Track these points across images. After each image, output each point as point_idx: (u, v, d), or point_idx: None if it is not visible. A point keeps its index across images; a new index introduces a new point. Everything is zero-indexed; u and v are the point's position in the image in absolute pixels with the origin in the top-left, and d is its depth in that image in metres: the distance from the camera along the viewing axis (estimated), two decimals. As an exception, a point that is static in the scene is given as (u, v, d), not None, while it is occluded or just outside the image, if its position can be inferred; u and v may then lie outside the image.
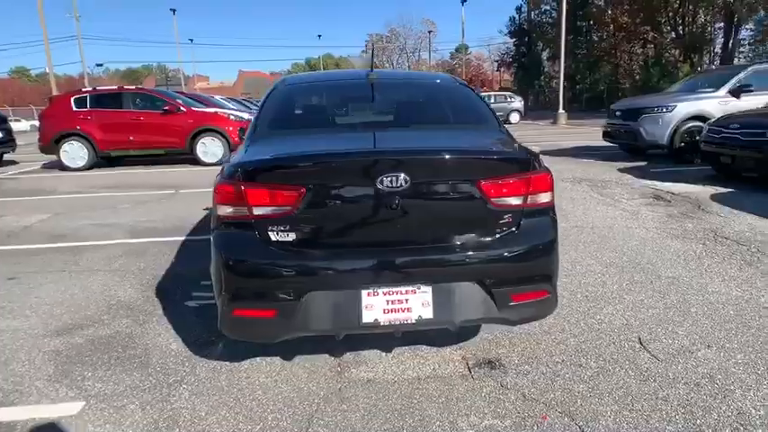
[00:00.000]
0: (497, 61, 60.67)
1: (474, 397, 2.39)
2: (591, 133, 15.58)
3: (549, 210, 2.46)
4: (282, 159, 2.35)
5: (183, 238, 5.26)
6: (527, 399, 2.37)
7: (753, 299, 3.37)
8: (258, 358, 2.79)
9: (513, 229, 2.36)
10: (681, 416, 2.22)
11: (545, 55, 49.35)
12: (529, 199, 2.36)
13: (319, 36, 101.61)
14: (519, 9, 52.10)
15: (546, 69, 50.60)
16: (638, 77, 35.85)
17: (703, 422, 2.17)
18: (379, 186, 2.19)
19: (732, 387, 2.41)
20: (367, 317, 2.24)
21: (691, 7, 32.06)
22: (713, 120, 7.75)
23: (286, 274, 2.22)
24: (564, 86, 25.08)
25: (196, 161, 11.53)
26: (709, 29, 33.97)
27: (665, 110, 9.15)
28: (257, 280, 2.25)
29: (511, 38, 54.30)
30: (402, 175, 2.19)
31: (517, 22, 52.53)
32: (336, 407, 2.35)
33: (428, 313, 2.26)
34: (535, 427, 2.17)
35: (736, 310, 3.21)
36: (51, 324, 3.30)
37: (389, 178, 2.18)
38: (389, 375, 2.60)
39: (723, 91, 9.15)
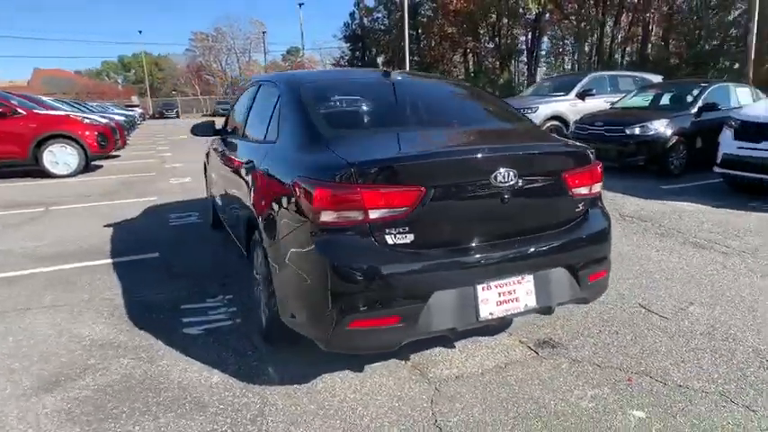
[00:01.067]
0: (333, 65, 61.89)
1: (561, 374, 2.57)
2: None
3: (600, 197, 2.74)
4: (403, 159, 2.24)
5: (108, 261, 4.50)
6: (602, 367, 2.63)
7: (690, 263, 4.13)
8: (325, 377, 2.59)
9: (585, 215, 2.59)
10: (719, 359, 2.67)
11: (380, 60, 51.83)
12: (592, 188, 2.61)
13: (140, 32, 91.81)
14: (352, 15, 53.88)
15: (381, 73, 53.17)
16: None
17: (736, 361, 2.64)
18: (493, 183, 2.24)
19: (733, 331, 2.97)
20: (484, 311, 2.27)
21: (505, 21, 36.58)
22: (579, 118, 9.08)
23: (412, 277, 2.14)
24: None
25: (44, 173, 9.74)
26: (520, 39, 39.14)
27: (530, 111, 10.39)
28: (381, 287, 2.12)
29: (346, 42, 55.88)
30: (513, 170, 2.26)
31: (351, 27, 54.26)
32: (450, 406, 2.32)
33: (532, 301, 2.37)
34: (630, 389, 2.42)
35: (686, 272, 3.91)
36: (24, 382, 2.62)
37: (503, 174, 2.24)
38: (471, 369, 2.64)
39: (572, 95, 10.75)
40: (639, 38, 34.78)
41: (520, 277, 2.34)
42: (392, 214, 2.13)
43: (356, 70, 4.00)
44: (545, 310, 2.46)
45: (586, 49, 34.01)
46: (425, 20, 43.29)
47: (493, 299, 2.28)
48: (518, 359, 2.73)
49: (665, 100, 9.16)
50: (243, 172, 3.19)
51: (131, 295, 3.71)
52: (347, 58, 57.22)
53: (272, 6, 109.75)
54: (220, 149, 4.27)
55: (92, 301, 3.62)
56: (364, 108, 2.90)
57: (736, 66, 22.96)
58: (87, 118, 10.39)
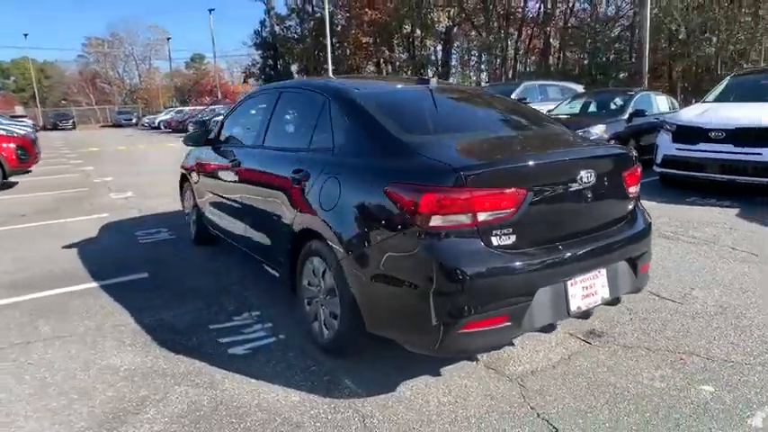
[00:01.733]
0: (244, 73, 60.15)
1: (621, 359, 2.76)
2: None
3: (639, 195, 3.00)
4: (508, 163, 2.29)
5: (93, 285, 4.10)
6: (653, 350, 2.86)
7: (670, 253, 4.58)
8: (407, 383, 2.59)
9: (635, 212, 2.82)
10: (743, 334, 3.00)
11: (294, 68, 51.30)
12: (638, 187, 2.85)
13: (26, 35, 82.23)
14: (263, 23, 52.81)
15: (296, 82, 52.60)
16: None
17: (757, 335, 2.99)
18: (578, 183, 2.38)
19: (741, 311, 3.35)
20: (573, 305, 2.40)
21: (419, 32, 37.78)
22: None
23: (520, 276, 2.21)
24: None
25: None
26: (432, 50, 40.64)
27: None
28: (492, 288, 2.17)
29: (257, 50, 54.63)
30: (592, 171, 2.42)
31: (261, 35, 53.13)
32: (543, 399, 2.42)
33: (606, 293, 2.54)
34: (684, 368, 2.67)
35: (672, 261, 4.33)
36: (77, 423, 2.35)
37: (585, 175, 2.39)
38: (541, 363, 2.75)
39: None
40: (539, 50, 37.66)
41: (597, 272, 2.50)
42: (498, 216, 2.20)
43: (388, 78, 3.94)
44: (614, 301, 2.64)
45: (494, 60, 36.07)
46: (339, 29, 43.54)
47: (579, 293, 2.42)
48: (577, 350, 2.89)
49: (594, 107, 10.00)
50: (280, 183, 3.09)
51: (145, 319, 3.42)
52: (258, 66, 55.98)
53: (177, 11, 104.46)
54: (221, 161, 4.07)
55: (102, 329, 3.30)
56: (426, 114, 2.92)
57: (626, 76, 25.68)
58: (4, 129, 9.29)
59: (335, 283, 2.63)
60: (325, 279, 2.74)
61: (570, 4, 34.84)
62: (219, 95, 49.74)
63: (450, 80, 43.53)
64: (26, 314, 3.58)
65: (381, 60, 43.82)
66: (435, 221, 2.15)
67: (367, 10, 38.24)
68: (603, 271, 2.53)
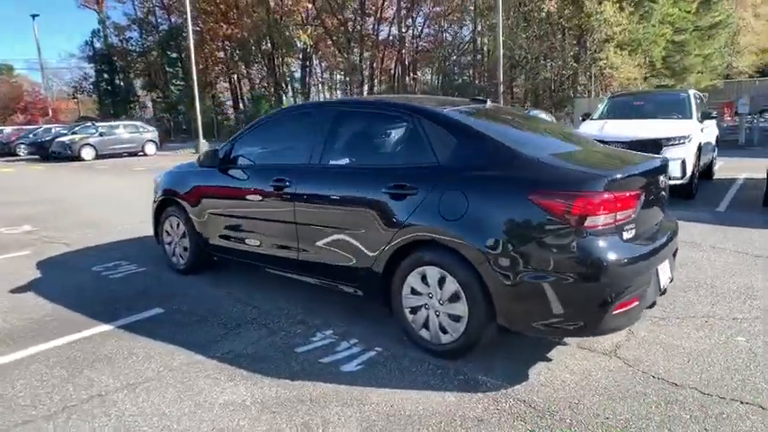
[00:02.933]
0: (75, 87, 53.43)
1: (671, 327, 3.39)
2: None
3: None
4: (634, 170, 2.72)
5: (107, 328, 3.63)
6: (683, 318, 3.55)
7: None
8: (533, 371, 2.89)
9: (667, 211, 3.50)
10: (739, 299, 3.84)
11: (138, 83, 47.22)
12: (664, 188, 3.54)
13: None
14: (96, 33, 47.71)
15: (140, 97, 48.50)
16: (245, 107, 39.24)
17: (750, 301, 3.86)
18: (660, 186, 2.94)
19: (719, 283, 4.25)
20: (661, 285, 2.94)
21: (280, 50, 37.56)
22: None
23: (646, 263, 2.67)
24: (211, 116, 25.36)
25: None
26: (293, 68, 40.65)
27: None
28: (632, 275, 2.59)
29: (89, 62, 49.10)
30: (665, 176, 3.02)
31: (93, 46, 47.91)
32: (645, 363, 2.90)
33: (668, 276, 3.13)
34: (715, 326, 3.38)
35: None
36: None
37: (663, 179, 2.97)
38: (616, 340, 3.24)
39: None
40: (392, 71, 40.20)
41: (667, 258, 3.08)
42: (627, 215, 2.64)
43: (441, 99, 3.94)
44: (668, 284, 3.24)
45: (354, 80, 37.41)
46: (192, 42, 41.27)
47: (662, 276, 2.97)
48: (635, 327, 3.44)
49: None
50: (369, 200, 3.18)
51: (215, 353, 3.20)
52: (92, 80, 50.33)
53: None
54: (248, 183, 3.95)
55: (178, 369, 3.01)
56: (514, 131, 3.26)
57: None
58: None
59: (462, 288, 2.83)
60: (444, 286, 2.92)
61: (419, 30, 37.93)
62: (50, 113, 43.55)
63: (316, 98, 44.15)
64: (55, 367, 3.08)
65: (238, 76, 42.56)
66: (589, 222, 2.52)
67: (222, 24, 36.98)
68: (668, 257, 3.12)
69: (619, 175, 2.64)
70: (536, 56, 23.63)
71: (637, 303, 2.67)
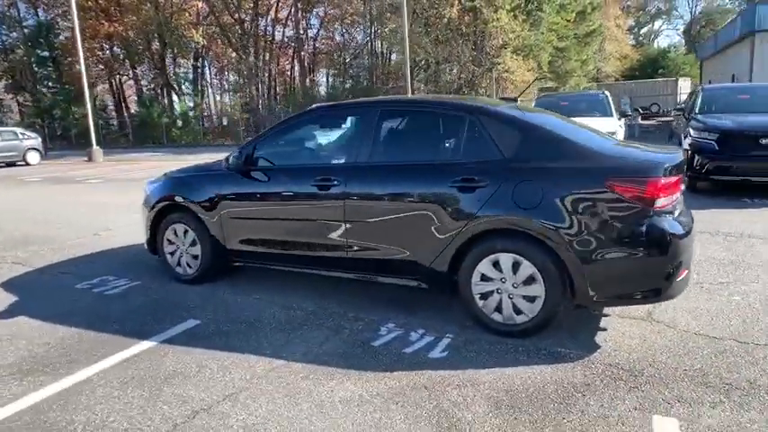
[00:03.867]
0: None
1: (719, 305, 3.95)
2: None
3: None
4: (675, 159, 3.13)
5: (152, 343, 3.39)
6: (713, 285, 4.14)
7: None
8: (598, 339, 3.24)
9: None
10: (736, 267, 4.55)
11: (1, 85, 41.65)
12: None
13: None
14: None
15: (2, 101, 42.80)
16: (138, 111, 36.31)
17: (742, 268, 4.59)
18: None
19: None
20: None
21: (171, 50, 35.32)
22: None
23: (691, 238, 3.12)
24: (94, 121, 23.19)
25: None
26: (186, 69, 38.38)
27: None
28: (687, 247, 3.02)
29: (-66, 61, 42.33)
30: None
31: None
32: (680, 322, 3.39)
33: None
34: (749, 298, 4.01)
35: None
36: None
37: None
38: (647, 308, 3.71)
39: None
40: (289, 73, 39.70)
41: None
42: (676, 197, 3.08)
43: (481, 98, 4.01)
44: None
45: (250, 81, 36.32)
46: (64, 39, 37.34)
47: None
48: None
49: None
50: (436, 194, 3.34)
51: (295, 356, 3.15)
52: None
53: None
54: (284, 185, 3.92)
55: (266, 377, 2.94)
56: (561, 127, 3.57)
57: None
58: None
59: (539, 271, 3.09)
60: (519, 271, 3.16)
61: (315, 32, 37.90)
62: None
63: (210, 100, 42.13)
64: (126, 388, 2.85)
65: (120, 78, 39.35)
66: (659, 203, 2.91)
67: (104, 22, 33.93)
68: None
69: (671, 163, 3.07)
70: (437, 60, 24.86)
71: (687, 273, 3.12)
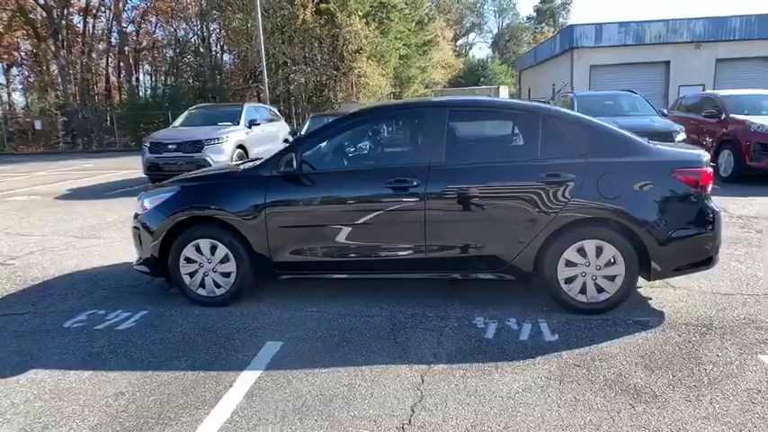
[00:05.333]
0: None
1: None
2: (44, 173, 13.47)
3: None
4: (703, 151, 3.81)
5: (256, 372, 3.04)
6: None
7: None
8: (654, 304, 3.84)
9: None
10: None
11: None
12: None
13: None
14: None
15: None
16: None
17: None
18: None
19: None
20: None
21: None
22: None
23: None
24: None
25: None
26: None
27: (222, 140, 10.66)
28: (721, 224, 3.75)
29: None
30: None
31: None
32: (714, 288, 4.18)
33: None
34: None
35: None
36: None
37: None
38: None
39: (243, 124, 11.63)
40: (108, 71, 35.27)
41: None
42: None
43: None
44: None
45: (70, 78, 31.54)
46: None
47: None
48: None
49: (214, 119, 11.80)
50: (525, 190, 3.60)
51: (435, 359, 3.13)
52: None
53: None
54: (351, 190, 3.81)
55: (432, 382, 2.88)
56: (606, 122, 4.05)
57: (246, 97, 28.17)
58: None
59: (620, 252, 3.55)
60: (602, 254, 3.59)
61: (137, 27, 34.29)
62: None
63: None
64: (286, 421, 2.54)
65: None
66: (708, 189, 3.58)
67: None
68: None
69: (707, 157, 3.78)
70: (284, 61, 24.75)
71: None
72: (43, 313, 4.07)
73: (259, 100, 27.86)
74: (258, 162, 4.16)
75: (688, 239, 3.58)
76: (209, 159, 10.40)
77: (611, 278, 3.62)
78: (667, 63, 22.72)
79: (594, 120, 3.92)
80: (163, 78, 34.31)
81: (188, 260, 4.01)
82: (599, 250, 3.60)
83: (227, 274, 4.00)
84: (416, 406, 2.65)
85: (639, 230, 3.53)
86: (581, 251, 3.62)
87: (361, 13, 24.69)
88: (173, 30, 33.79)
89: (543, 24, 60.83)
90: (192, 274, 4.03)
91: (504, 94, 36.75)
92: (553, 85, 24.87)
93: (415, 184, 3.68)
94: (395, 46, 27.51)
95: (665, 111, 11.06)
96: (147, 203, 4.12)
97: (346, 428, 2.49)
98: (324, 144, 3.97)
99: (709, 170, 3.64)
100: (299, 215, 3.86)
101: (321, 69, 25.67)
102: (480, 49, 65.36)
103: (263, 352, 3.29)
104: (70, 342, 3.54)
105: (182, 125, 12.01)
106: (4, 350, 3.45)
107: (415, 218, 3.72)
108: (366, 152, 4.08)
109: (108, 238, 6.57)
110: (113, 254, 5.72)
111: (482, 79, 45.19)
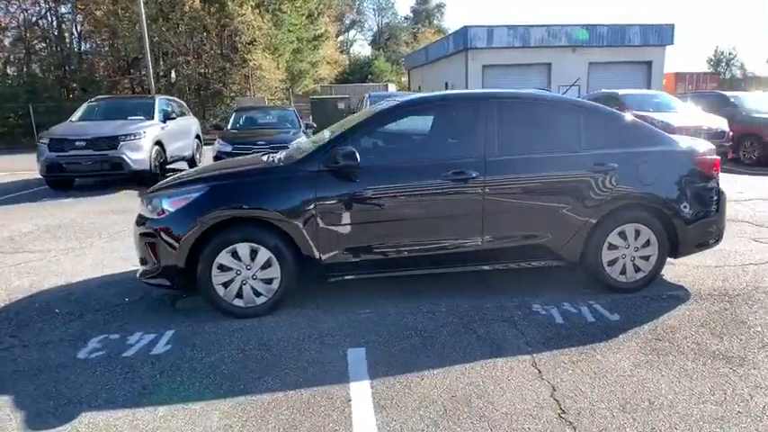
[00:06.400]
0: None
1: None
2: None
3: None
4: None
5: (363, 383, 2.82)
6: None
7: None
8: (674, 286, 4.26)
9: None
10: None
11: None
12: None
13: None
14: None
15: None
16: None
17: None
18: None
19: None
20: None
21: None
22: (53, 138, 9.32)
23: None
24: None
25: None
26: None
27: (140, 136, 9.54)
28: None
29: None
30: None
31: None
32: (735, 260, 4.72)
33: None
34: None
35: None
36: None
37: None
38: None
39: (157, 118, 10.52)
40: None
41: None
42: (714, 167, 4.29)
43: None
44: None
45: None
46: None
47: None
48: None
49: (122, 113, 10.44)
50: (575, 179, 3.77)
51: (533, 347, 3.14)
52: None
53: None
54: (412, 182, 3.67)
55: (548, 367, 2.89)
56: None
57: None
58: None
59: (654, 234, 3.88)
60: (640, 237, 3.88)
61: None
62: None
63: None
64: (440, 426, 2.40)
65: None
66: (718, 174, 4.04)
67: None
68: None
69: (713, 147, 4.26)
70: (169, 51, 22.98)
71: (720, 223, 4.38)
72: (36, 345, 3.33)
73: (133, 92, 25.39)
74: (298, 155, 3.81)
75: (707, 219, 4.01)
76: (125, 158, 9.25)
77: (646, 258, 3.93)
78: (549, 65, 25.08)
79: (623, 113, 4.21)
80: (2, 67, 29.46)
81: (222, 269, 3.56)
82: (637, 233, 3.89)
83: (268, 281, 3.62)
84: (555, 394, 2.66)
85: (670, 213, 3.88)
86: (622, 235, 3.88)
87: (253, 3, 23.64)
88: (16, 10, 29.20)
89: (420, 25, 63.41)
90: (226, 284, 3.58)
91: (393, 90, 37.72)
92: (446, 83, 26.08)
93: (474, 175, 3.66)
94: (288, 39, 26.79)
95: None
96: (167, 205, 3.57)
97: (511, 426, 2.41)
98: (374, 137, 3.77)
99: (718, 158, 4.12)
100: (353, 212, 3.62)
101: (210, 61, 24.11)
102: (361, 47, 66.19)
103: (351, 360, 3.05)
104: (105, 375, 2.94)
105: (81, 119, 10.48)
106: (24, 395, 2.77)
107: (473, 210, 3.70)
108: (419, 144, 3.96)
109: (42, 250, 5.55)
110: (67, 269, 4.86)
111: (369, 76, 45.87)
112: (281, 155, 4.14)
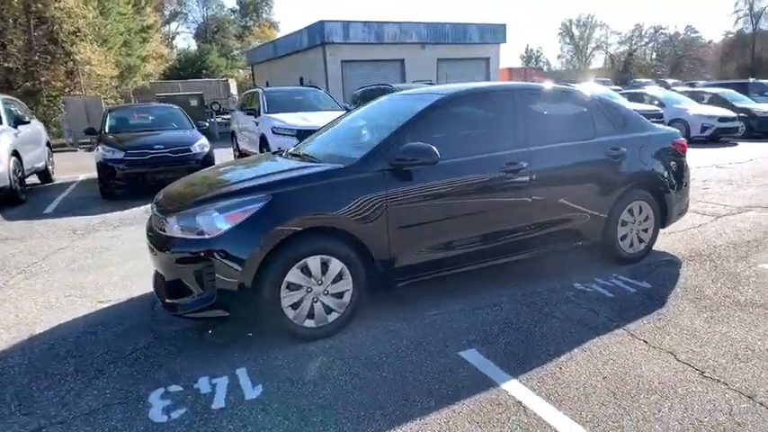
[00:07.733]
0: None
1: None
2: None
3: None
4: None
5: (511, 383, 2.75)
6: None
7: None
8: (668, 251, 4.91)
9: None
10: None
11: None
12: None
13: None
14: None
15: None
16: None
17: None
18: None
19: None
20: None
21: None
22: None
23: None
24: None
25: None
26: None
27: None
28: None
29: None
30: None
31: None
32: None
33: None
34: None
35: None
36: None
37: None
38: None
39: (6, 122, 8.54)
40: None
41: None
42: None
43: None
44: None
45: None
46: None
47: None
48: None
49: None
50: (596, 164, 4.12)
51: (633, 333, 3.36)
52: None
53: None
54: (471, 174, 3.63)
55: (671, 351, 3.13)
56: None
57: None
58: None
59: (653, 210, 4.43)
60: (643, 212, 4.40)
61: None
62: None
63: None
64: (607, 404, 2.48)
65: None
66: (686, 154, 4.77)
67: None
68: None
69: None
70: None
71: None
72: (80, 416, 2.53)
73: None
74: (357, 155, 3.45)
75: (684, 191, 4.70)
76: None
77: (646, 230, 4.48)
78: (402, 61, 26.14)
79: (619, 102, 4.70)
80: None
81: (291, 288, 3.11)
82: (640, 209, 4.40)
83: (339, 295, 3.27)
84: (680, 358, 2.90)
85: (662, 189, 4.46)
86: (630, 211, 4.35)
87: (74, -12, 20.43)
88: None
89: (248, 18, 61.05)
90: (295, 305, 3.14)
91: (233, 86, 35.81)
92: (301, 78, 25.60)
93: (524, 165, 3.76)
94: (118, 30, 23.72)
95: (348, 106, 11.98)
96: (222, 223, 2.98)
97: (677, 392, 2.57)
98: (431, 131, 3.59)
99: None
100: (424, 210, 3.44)
101: (22, 54, 20.23)
102: (184, 40, 61.31)
103: (474, 362, 2.93)
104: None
105: None
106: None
107: (524, 199, 3.81)
108: (472, 137, 3.86)
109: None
110: (11, 319, 3.76)
111: (204, 71, 42.72)
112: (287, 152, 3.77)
